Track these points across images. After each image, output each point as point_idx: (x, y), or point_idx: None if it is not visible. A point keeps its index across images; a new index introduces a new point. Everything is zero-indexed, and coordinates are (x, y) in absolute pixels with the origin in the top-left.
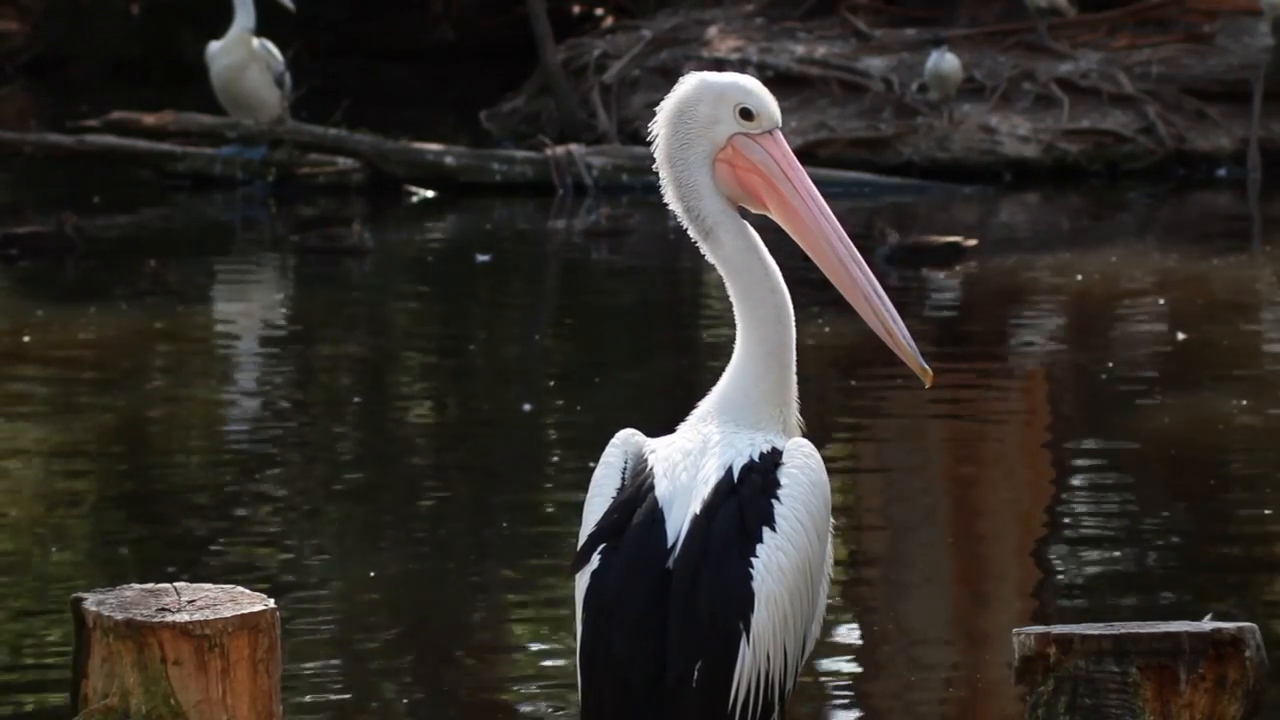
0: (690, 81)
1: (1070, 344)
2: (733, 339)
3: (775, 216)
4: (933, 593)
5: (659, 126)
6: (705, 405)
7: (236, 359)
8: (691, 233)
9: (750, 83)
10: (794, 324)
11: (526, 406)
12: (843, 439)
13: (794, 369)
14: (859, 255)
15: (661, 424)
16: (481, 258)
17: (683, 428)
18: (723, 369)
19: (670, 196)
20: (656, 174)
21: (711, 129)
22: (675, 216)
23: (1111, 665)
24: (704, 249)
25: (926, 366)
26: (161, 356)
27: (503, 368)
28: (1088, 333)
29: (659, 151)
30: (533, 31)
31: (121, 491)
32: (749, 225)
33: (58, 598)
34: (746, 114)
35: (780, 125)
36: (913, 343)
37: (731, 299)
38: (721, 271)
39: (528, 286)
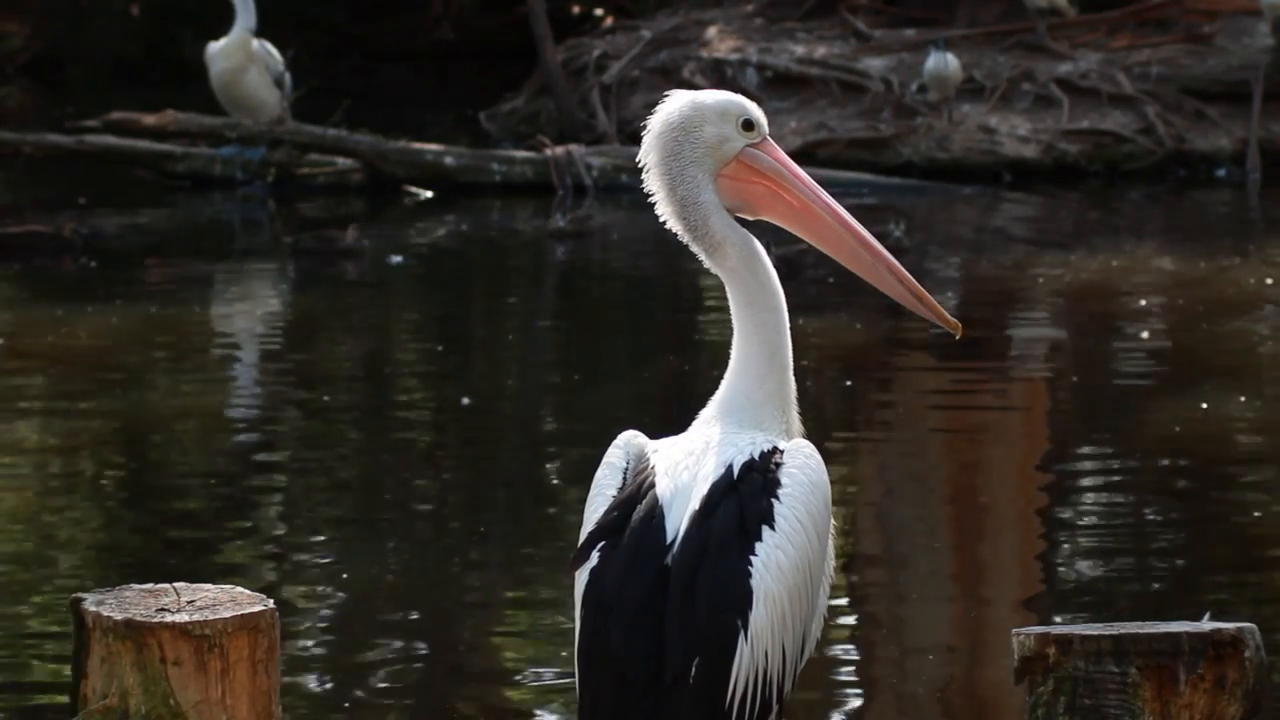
0: (680, 103)
1: (1069, 344)
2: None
3: (780, 218)
4: (932, 592)
5: (653, 148)
6: (709, 409)
7: (233, 359)
8: (694, 248)
9: (740, 97)
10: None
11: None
12: (842, 439)
13: (791, 370)
14: (871, 236)
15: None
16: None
17: (688, 430)
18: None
19: (670, 215)
20: None
21: (720, 148)
22: (655, 219)
23: (1111, 665)
24: (707, 261)
25: (954, 320)
26: (159, 357)
27: (495, 368)
28: (1087, 333)
29: (656, 173)
30: (532, 32)
31: (120, 492)
32: (750, 233)
33: (58, 598)
34: (748, 126)
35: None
36: (935, 303)
37: (731, 304)
38: (725, 279)
39: (511, 288)
